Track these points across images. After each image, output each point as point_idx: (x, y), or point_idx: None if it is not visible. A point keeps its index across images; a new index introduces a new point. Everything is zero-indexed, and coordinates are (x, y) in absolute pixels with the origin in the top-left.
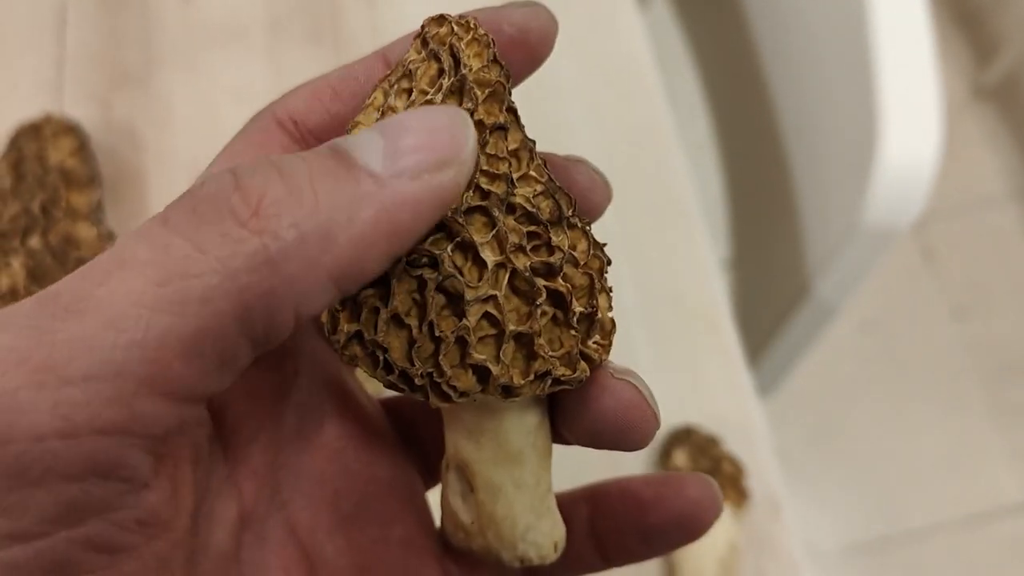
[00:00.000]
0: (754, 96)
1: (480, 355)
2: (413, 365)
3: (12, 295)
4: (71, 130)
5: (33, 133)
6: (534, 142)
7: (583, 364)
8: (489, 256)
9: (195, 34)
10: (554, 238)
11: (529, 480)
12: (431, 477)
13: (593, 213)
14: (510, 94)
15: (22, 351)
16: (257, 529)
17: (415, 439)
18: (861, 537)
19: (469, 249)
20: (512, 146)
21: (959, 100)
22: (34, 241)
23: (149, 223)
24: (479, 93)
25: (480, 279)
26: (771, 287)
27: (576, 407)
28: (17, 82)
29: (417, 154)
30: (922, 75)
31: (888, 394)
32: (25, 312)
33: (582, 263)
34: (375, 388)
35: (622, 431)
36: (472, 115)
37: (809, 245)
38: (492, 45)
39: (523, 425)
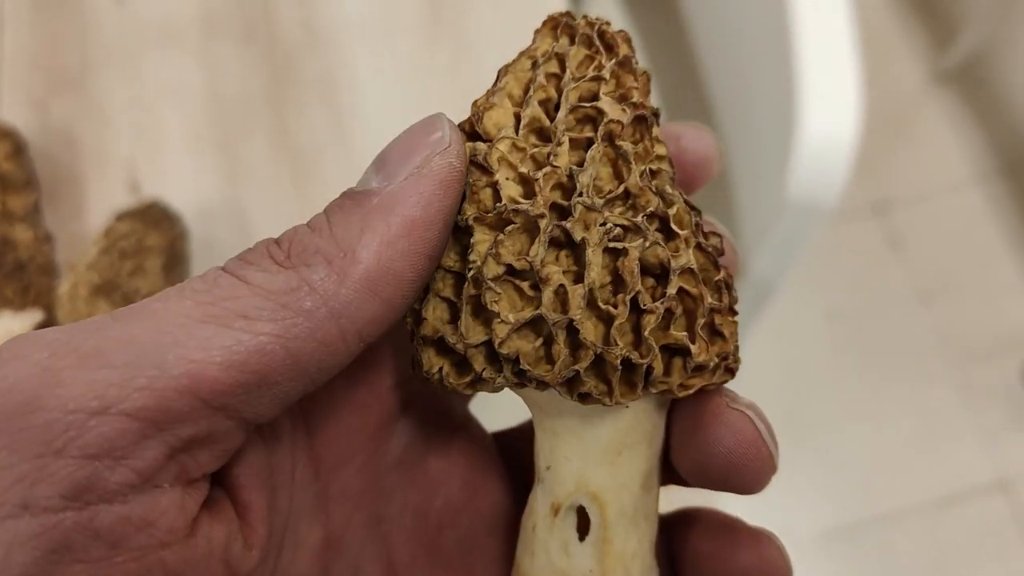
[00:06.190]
0: (690, 78)
1: (679, 332)
2: (614, 345)
3: None
4: (8, 135)
5: None
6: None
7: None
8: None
9: (130, 36)
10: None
11: (654, 511)
12: None
13: (703, 180)
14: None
15: (75, 343)
16: (349, 557)
17: (527, 472)
18: (835, 523)
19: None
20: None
21: (919, 85)
22: None
23: (210, 269)
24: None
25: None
26: None
27: (688, 436)
28: None
29: (401, 160)
30: (840, 52)
31: (858, 381)
32: (91, 320)
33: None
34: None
35: (732, 467)
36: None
37: (744, 225)
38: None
39: (657, 442)
